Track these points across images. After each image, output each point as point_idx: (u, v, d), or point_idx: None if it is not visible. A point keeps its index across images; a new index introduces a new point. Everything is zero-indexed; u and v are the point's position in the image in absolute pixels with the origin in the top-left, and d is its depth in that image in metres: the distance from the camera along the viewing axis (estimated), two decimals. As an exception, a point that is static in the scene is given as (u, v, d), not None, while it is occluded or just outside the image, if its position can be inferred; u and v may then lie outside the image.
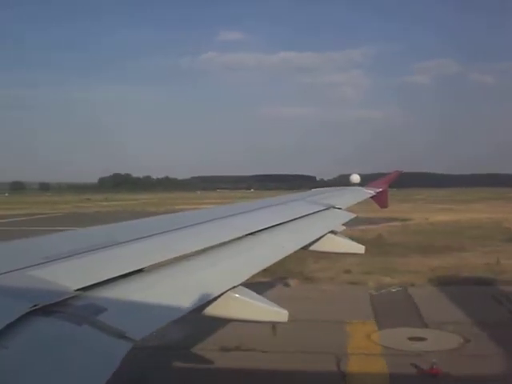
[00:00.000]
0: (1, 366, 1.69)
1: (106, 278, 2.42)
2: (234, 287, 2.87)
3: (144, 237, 3.27)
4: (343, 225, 6.02)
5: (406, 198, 72.36)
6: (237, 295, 2.83)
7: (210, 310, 2.75)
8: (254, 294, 2.97)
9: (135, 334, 2.05)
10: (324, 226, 5.41)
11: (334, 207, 6.61)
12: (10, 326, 1.80)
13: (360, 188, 10.37)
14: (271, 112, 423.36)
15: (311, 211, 5.86)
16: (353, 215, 6.65)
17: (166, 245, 3.30)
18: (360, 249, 5.30)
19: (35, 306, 1.96)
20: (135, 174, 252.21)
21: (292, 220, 5.04)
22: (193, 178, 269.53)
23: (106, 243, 2.94)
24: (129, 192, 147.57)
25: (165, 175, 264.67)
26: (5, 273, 2.24)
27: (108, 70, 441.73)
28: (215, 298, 2.74)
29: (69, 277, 2.34)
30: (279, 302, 3.07)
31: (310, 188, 10.56)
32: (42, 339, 1.86)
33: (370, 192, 9.83)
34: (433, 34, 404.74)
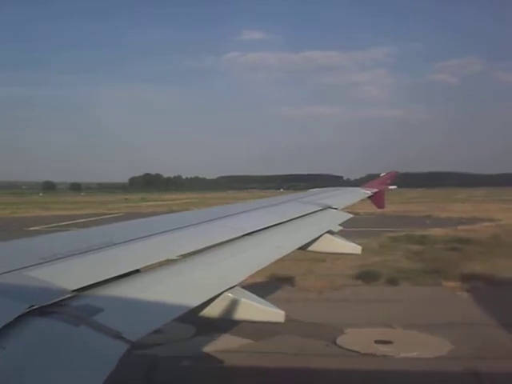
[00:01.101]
0: None
1: (102, 279, 2.43)
2: (231, 288, 2.88)
3: (141, 237, 3.27)
4: (340, 225, 5.98)
5: (451, 198, 71.21)
6: (234, 296, 2.84)
7: (207, 311, 2.77)
8: (251, 294, 2.98)
9: (132, 334, 2.06)
10: (321, 226, 5.37)
11: (331, 207, 6.60)
12: (6, 327, 1.80)
13: (357, 188, 10.39)
14: (295, 111, 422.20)
15: (308, 211, 5.85)
16: (349, 215, 6.65)
17: (163, 245, 3.30)
18: (357, 249, 5.28)
19: (32, 306, 1.96)
20: (166, 174, 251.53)
21: (289, 220, 5.04)
22: (219, 177, 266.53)
23: (103, 243, 2.94)
24: (159, 192, 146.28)
25: (194, 175, 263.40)
26: (2, 273, 2.24)
27: (132, 69, 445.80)
28: (212, 299, 2.74)
29: (66, 277, 2.34)
30: None
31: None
32: (38, 340, 1.86)
33: (366, 192, 9.82)
34: (457, 32, 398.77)
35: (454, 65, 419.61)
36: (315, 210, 6.09)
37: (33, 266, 2.38)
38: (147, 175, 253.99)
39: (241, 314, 2.87)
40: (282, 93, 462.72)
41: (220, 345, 9.95)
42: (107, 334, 2.00)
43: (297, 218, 5.29)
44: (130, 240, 3.16)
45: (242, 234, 3.97)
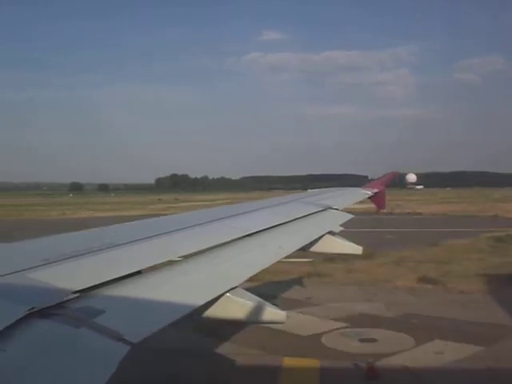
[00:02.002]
0: None
1: (104, 280, 2.43)
2: (233, 289, 2.88)
3: (142, 238, 3.27)
4: (341, 225, 6.01)
5: (491, 198, 69.38)
6: (235, 297, 2.84)
7: (208, 312, 2.77)
8: (252, 295, 2.98)
9: (133, 336, 2.06)
10: (322, 226, 5.38)
11: (332, 208, 6.63)
12: (8, 329, 1.80)
13: (357, 189, 10.36)
14: (317, 111, 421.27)
15: (309, 212, 5.86)
16: (350, 216, 6.68)
17: (164, 246, 3.30)
18: (358, 250, 5.29)
19: (33, 308, 1.96)
20: (192, 175, 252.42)
21: (290, 221, 5.05)
22: (242, 178, 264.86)
23: (104, 245, 2.94)
24: (187, 192, 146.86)
25: (219, 175, 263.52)
26: (2, 275, 2.24)
27: (153, 70, 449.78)
28: (213, 300, 2.75)
29: (67, 279, 2.35)
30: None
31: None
32: (39, 342, 1.86)
33: (367, 193, 9.81)
34: (479, 30, 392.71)
35: (475, 63, 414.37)
36: (316, 210, 6.12)
37: (34, 267, 2.39)
38: (174, 176, 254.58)
39: (242, 314, 2.88)
40: (303, 93, 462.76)
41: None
42: (108, 335, 2.00)
43: (298, 218, 5.31)
44: (132, 241, 3.16)
45: (244, 234, 3.98)
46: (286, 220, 4.99)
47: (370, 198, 9.75)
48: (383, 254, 19.59)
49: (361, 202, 9.29)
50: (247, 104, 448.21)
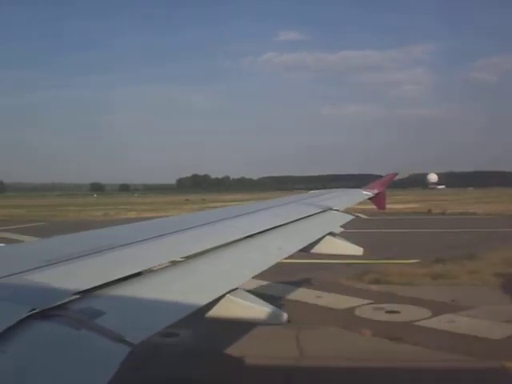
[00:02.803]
0: None
1: (105, 281, 2.43)
2: (234, 290, 2.89)
3: (143, 239, 3.28)
4: (341, 226, 6.01)
5: None
6: (236, 297, 2.85)
7: (210, 313, 2.78)
8: (253, 296, 2.99)
9: (134, 337, 2.06)
10: (322, 227, 5.39)
11: (332, 209, 6.63)
12: (8, 330, 1.80)
13: (358, 190, 10.42)
14: (333, 111, 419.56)
15: (309, 213, 5.87)
16: (351, 217, 6.69)
17: (165, 247, 3.31)
18: (358, 251, 5.29)
19: (34, 309, 1.96)
20: (213, 175, 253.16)
21: (291, 222, 5.05)
22: (263, 178, 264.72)
23: (105, 246, 2.95)
24: (208, 193, 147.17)
25: (240, 176, 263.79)
26: (3, 277, 2.24)
27: (170, 70, 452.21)
28: (214, 301, 2.75)
29: (68, 280, 2.35)
30: None
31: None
32: (39, 343, 1.86)
33: (367, 194, 9.84)
34: (496, 28, 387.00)
35: (493, 63, 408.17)
36: (317, 211, 6.13)
37: (35, 268, 2.39)
38: (195, 176, 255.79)
39: (243, 315, 2.90)
40: (320, 92, 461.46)
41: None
42: (109, 336, 2.00)
43: (298, 219, 5.31)
44: (133, 242, 3.17)
45: (244, 235, 3.98)
46: (287, 221, 5.00)
47: (370, 198, 9.80)
48: (485, 254, 18.62)
49: (361, 203, 9.33)
50: (264, 104, 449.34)
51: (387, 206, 11.13)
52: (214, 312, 2.78)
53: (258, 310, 2.95)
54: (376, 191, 10.01)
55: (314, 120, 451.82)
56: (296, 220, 5.23)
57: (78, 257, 2.68)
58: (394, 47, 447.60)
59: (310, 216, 5.75)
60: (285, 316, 3.07)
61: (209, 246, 3.50)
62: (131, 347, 1.99)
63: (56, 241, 3.33)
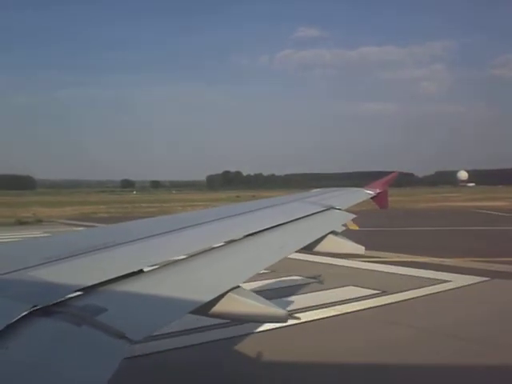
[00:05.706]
0: (0, 367, 1.70)
1: (106, 279, 2.43)
2: (235, 288, 2.89)
3: (144, 237, 3.29)
4: (343, 225, 5.93)
5: None
6: (237, 296, 2.85)
7: (211, 310, 2.78)
8: (254, 294, 2.99)
9: (135, 334, 2.06)
10: (324, 226, 5.37)
11: (334, 208, 6.57)
12: (10, 327, 1.82)
13: (359, 189, 10.29)
14: (353, 108, 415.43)
15: (311, 212, 5.85)
16: (352, 216, 6.66)
17: (167, 245, 3.32)
18: (360, 250, 5.27)
19: (35, 306, 1.97)
20: (244, 172, 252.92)
21: (292, 221, 5.04)
22: (287, 175, 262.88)
23: (106, 244, 2.95)
24: (241, 190, 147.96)
25: (270, 173, 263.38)
26: (5, 273, 2.25)
27: (192, 69, 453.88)
28: (215, 299, 2.75)
29: (69, 277, 2.36)
30: None
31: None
32: (41, 340, 1.88)
33: (369, 193, 9.74)
34: None
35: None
36: (318, 210, 6.09)
37: (36, 265, 2.39)
38: (226, 173, 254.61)
39: (244, 313, 2.90)
40: (337, 89, 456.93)
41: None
42: (110, 333, 2.00)
43: (300, 218, 5.29)
44: (134, 240, 3.17)
45: (245, 233, 3.98)
46: (289, 219, 4.99)
47: (372, 198, 9.66)
48: None
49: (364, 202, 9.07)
50: (288, 102, 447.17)
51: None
52: (216, 309, 2.78)
53: (260, 308, 2.93)
54: (378, 190, 9.90)
55: (334, 117, 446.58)
56: (297, 219, 5.22)
57: (80, 254, 2.69)
58: (415, 43, 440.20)
59: (311, 215, 5.72)
60: (286, 314, 3.05)
61: (210, 244, 3.51)
62: (132, 344, 2.00)
63: (57, 238, 3.32)
